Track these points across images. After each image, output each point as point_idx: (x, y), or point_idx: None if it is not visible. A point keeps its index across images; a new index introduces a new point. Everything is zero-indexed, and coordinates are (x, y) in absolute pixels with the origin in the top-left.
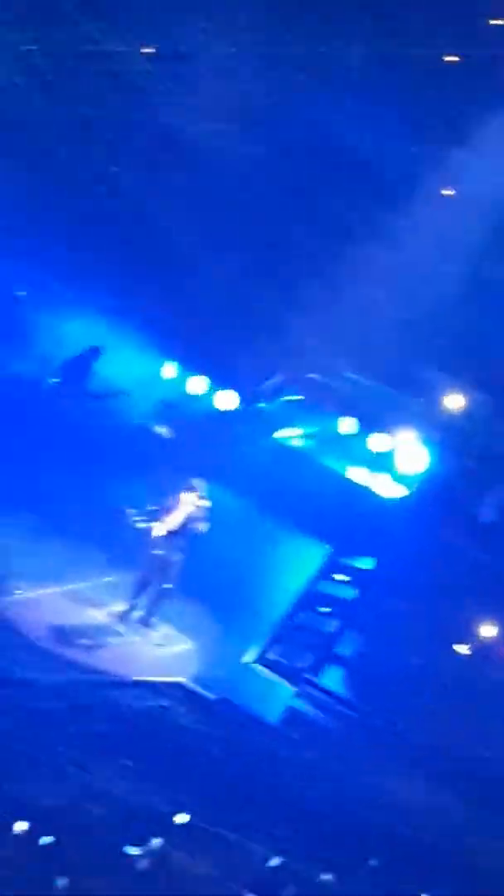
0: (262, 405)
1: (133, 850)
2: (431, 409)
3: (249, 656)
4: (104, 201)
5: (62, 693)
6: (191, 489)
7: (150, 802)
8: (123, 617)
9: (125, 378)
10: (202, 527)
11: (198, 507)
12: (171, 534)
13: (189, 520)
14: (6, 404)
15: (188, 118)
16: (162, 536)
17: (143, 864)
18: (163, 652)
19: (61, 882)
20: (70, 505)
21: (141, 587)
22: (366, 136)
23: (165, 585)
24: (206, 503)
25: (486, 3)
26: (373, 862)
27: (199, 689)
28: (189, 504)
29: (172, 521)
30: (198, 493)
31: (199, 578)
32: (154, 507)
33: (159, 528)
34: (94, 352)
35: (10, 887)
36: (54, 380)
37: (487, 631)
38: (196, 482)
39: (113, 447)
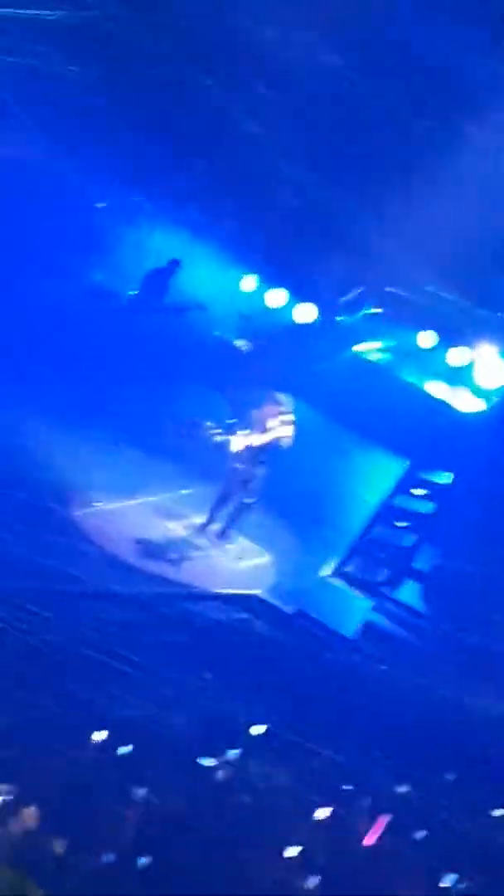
0: (341, 318)
1: (208, 761)
2: None
3: (327, 570)
4: (185, 112)
5: (141, 605)
6: (276, 404)
7: (227, 713)
8: (202, 529)
9: (204, 291)
10: (286, 442)
11: (283, 422)
12: (255, 448)
13: (274, 434)
14: (85, 316)
15: (268, 27)
16: (245, 450)
17: (220, 775)
18: (241, 565)
19: (139, 792)
20: (147, 417)
21: (222, 500)
22: (452, 46)
23: (246, 499)
24: (291, 418)
25: None
26: (449, 776)
27: (276, 602)
28: (274, 418)
29: (257, 435)
30: (283, 408)
31: (278, 492)
32: (232, 421)
33: (239, 442)
34: (174, 265)
35: (88, 796)
36: (132, 292)
37: None
38: (281, 396)
39: (190, 360)
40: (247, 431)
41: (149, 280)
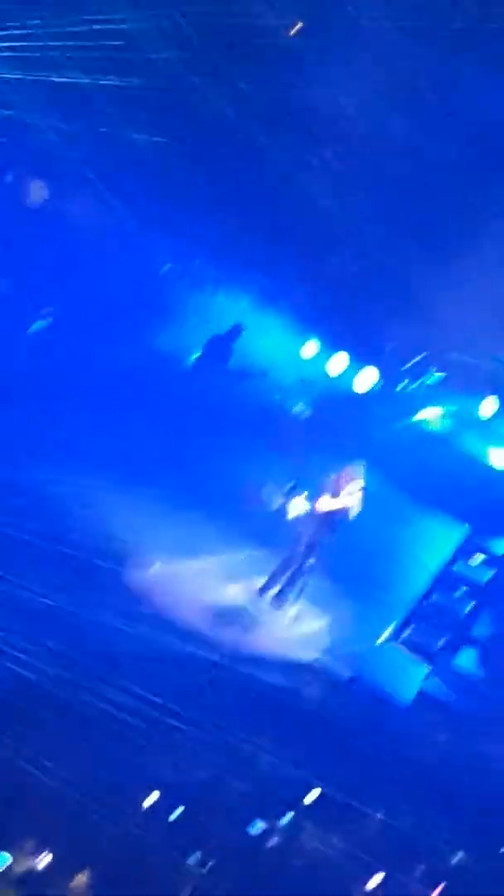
0: (403, 384)
1: (260, 825)
2: None
3: (385, 635)
4: (250, 176)
5: (199, 667)
6: (351, 472)
7: (283, 778)
8: (262, 592)
9: (266, 356)
10: (355, 511)
11: (355, 490)
12: (326, 514)
13: (345, 502)
14: (150, 378)
15: (338, 94)
16: (316, 516)
17: (275, 839)
18: (299, 629)
19: (192, 856)
20: (206, 480)
21: (285, 564)
22: None
23: (308, 564)
24: (362, 486)
25: None
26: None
27: (333, 667)
28: (347, 487)
29: (331, 502)
30: (357, 477)
31: (337, 556)
32: (291, 485)
33: (299, 506)
34: (237, 329)
35: (142, 859)
36: (196, 355)
37: None
38: (357, 465)
39: (251, 424)
40: (306, 495)
41: (212, 344)
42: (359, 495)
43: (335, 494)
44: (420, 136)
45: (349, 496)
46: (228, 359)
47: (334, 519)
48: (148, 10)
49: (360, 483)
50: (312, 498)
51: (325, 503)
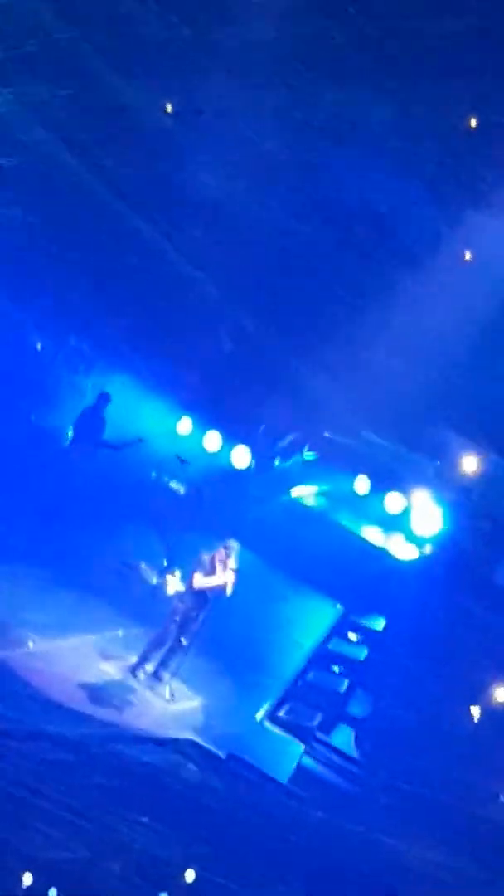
0: (277, 463)
1: None
2: (447, 471)
3: (260, 714)
4: (122, 255)
5: (72, 746)
6: (225, 550)
7: (158, 857)
8: (135, 671)
9: (139, 428)
10: (229, 590)
11: (228, 568)
12: (196, 591)
13: (219, 580)
14: (22, 456)
15: (208, 175)
16: (185, 592)
17: None
18: (174, 707)
19: None
20: (82, 557)
21: (157, 642)
22: (384, 198)
23: (182, 641)
24: (235, 566)
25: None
26: None
27: (209, 746)
28: (221, 564)
29: (202, 579)
30: (231, 555)
31: (212, 634)
32: (166, 563)
33: (174, 584)
34: (103, 399)
35: None
36: (70, 433)
37: (501, 694)
38: (231, 544)
39: (126, 501)
40: (180, 573)
41: (83, 418)
42: (230, 574)
43: (209, 572)
44: (290, 220)
45: (223, 574)
46: (103, 430)
47: (207, 597)
48: (17, 88)
49: (234, 563)
50: (186, 576)
51: (199, 581)
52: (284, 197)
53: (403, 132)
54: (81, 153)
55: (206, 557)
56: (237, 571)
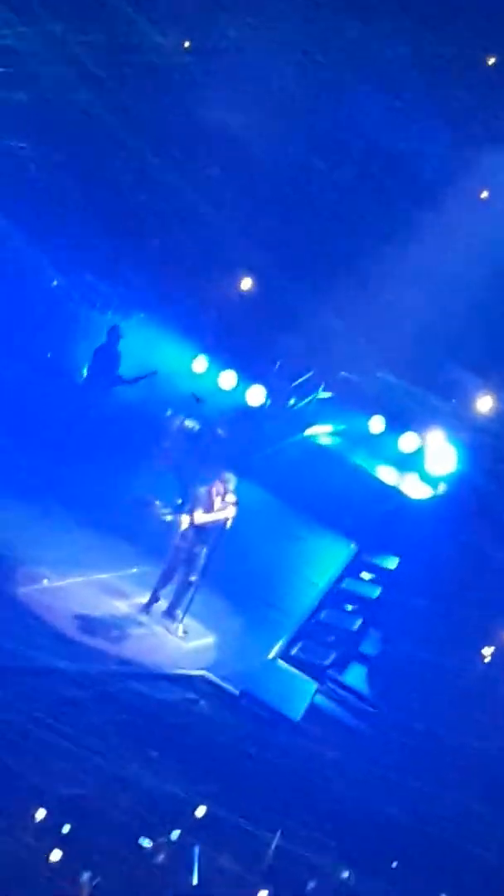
0: (292, 402)
1: (147, 843)
2: (462, 411)
3: (273, 652)
4: (140, 194)
5: (86, 683)
6: (222, 483)
7: (171, 793)
8: (148, 608)
9: (154, 364)
10: (229, 522)
11: (227, 501)
12: (198, 527)
13: (217, 514)
14: (38, 393)
15: (226, 112)
16: (188, 529)
17: (162, 856)
18: (187, 644)
19: (83, 875)
20: (97, 496)
21: (166, 579)
22: (401, 135)
23: (191, 578)
24: (234, 499)
25: None
26: (393, 862)
27: (222, 683)
28: (219, 498)
29: (202, 515)
30: (227, 488)
31: (226, 572)
32: (181, 501)
33: (186, 521)
34: (114, 334)
35: (31, 873)
36: (85, 371)
37: None
38: (227, 476)
39: (142, 440)
40: (192, 510)
41: (97, 356)
42: (230, 508)
43: (207, 507)
44: (306, 157)
45: (223, 508)
46: (117, 366)
47: (207, 531)
48: (34, 25)
49: (233, 495)
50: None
51: (200, 517)
52: (301, 134)
53: (421, 69)
54: (99, 91)
55: (202, 491)
56: (237, 504)
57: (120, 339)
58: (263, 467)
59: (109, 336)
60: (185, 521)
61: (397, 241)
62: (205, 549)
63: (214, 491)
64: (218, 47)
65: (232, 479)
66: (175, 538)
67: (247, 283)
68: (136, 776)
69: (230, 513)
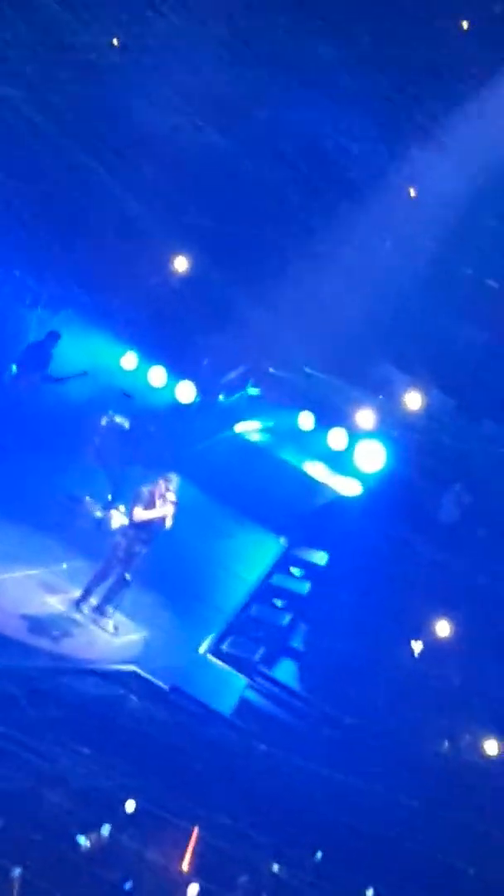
0: (221, 398)
1: (83, 840)
2: (390, 407)
3: (203, 647)
4: (67, 189)
5: (16, 678)
6: (165, 482)
7: (102, 788)
8: (79, 604)
9: (84, 362)
10: (168, 523)
11: (168, 501)
12: (138, 525)
13: (158, 513)
14: None
15: (157, 111)
16: (128, 526)
17: (92, 851)
18: (117, 640)
19: (14, 871)
20: (28, 491)
21: (101, 575)
22: (331, 133)
23: (126, 576)
24: (174, 499)
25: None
26: (319, 854)
27: (152, 678)
28: (161, 497)
29: (142, 512)
30: (171, 488)
31: (156, 568)
32: (111, 497)
33: (119, 518)
34: (53, 337)
35: None
36: (13, 367)
37: (439, 628)
38: (170, 476)
39: (72, 436)
40: (124, 507)
41: (29, 352)
42: (172, 506)
43: (149, 506)
44: (236, 154)
45: (162, 507)
46: (48, 365)
47: (149, 530)
48: None
49: (173, 496)
50: (128, 510)
51: (139, 514)
52: (230, 131)
53: (350, 66)
54: (26, 87)
55: (146, 491)
56: (177, 504)
57: (56, 342)
58: (193, 463)
59: (47, 337)
60: (115, 517)
61: (326, 237)
62: (145, 549)
63: (157, 491)
64: (147, 45)
65: (174, 479)
66: (116, 536)
67: (175, 280)
68: (67, 771)
69: (170, 512)
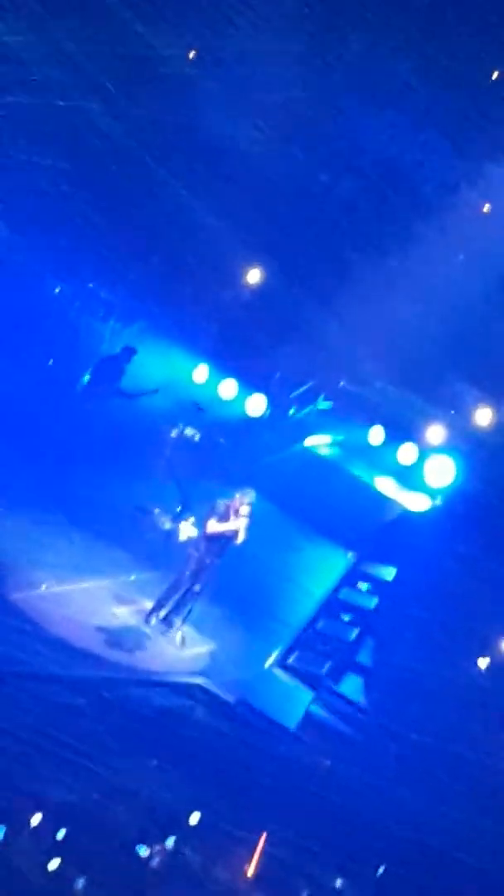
0: (292, 412)
1: (144, 851)
2: (461, 422)
3: (270, 661)
4: (142, 202)
5: (84, 689)
6: (241, 498)
7: (166, 801)
8: (149, 616)
9: (158, 379)
10: (241, 537)
11: (242, 516)
12: (211, 538)
13: (232, 527)
14: (40, 400)
15: (229, 123)
16: (200, 539)
17: (157, 863)
18: (185, 653)
19: (78, 881)
20: (96, 502)
21: (172, 588)
22: (405, 148)
23: (195, 588)
24: (248, 511)
25: None
26: (382, 868)
27: (218, 691)
28: (236, 512)
29: (216, 525)
30: (246, 503)
31: (224, 581)
32: (180, 509)
33: (187, 530)
34: (128, 352)
35: (27, 880)
36: (86, 378)
37: None
38: (248, 492)
39: (142, 448)
40: (193, 519)
41: (102, 366)
42: (245, 521)
43: (223, 519)
44: (310, 168)
45: (236, 521)
46: (120, 379)
47: (221, 544)
48: (39, 32)
49: (248, 509)
50: (200, 522)
51: (213, 526)
52: (305, 145)
53: (426, 83)
54: (103, 99)
55: (222, 505)
56: (250, 518)
57: (131, 357)
58: (262, 477)
59: (122, 351)
60: (184, 529)
61: (399, 252)
62: (216, 562)
63: (232, 505)
64: (223, 58)
65: (251, 494)
66: (188, 548)
67: (248, 293)
68: (131, 783)
69: (242, 525)
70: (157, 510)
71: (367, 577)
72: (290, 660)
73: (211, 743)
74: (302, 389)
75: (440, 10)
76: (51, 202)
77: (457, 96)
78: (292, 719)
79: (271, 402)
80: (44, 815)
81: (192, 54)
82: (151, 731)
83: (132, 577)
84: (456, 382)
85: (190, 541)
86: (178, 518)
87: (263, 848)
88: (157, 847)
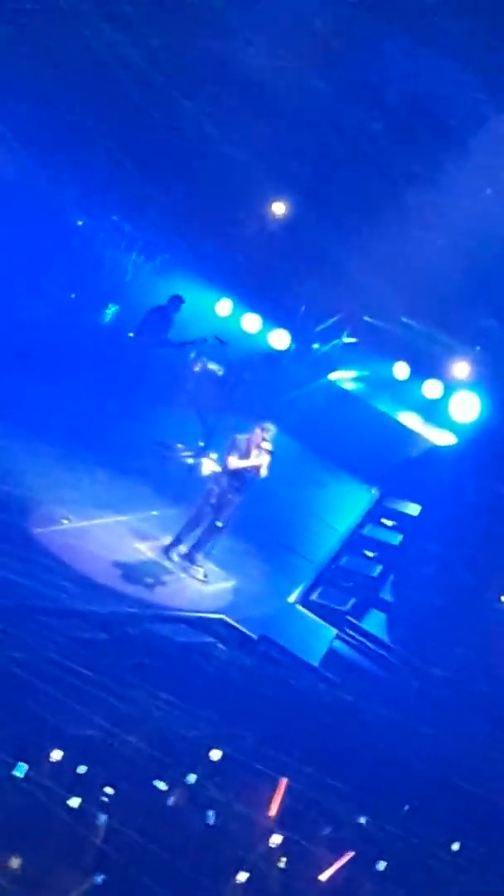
0: (316, 346)
1: (162, 785)
2: (487, 358)
3: (293, 597)
4: (166, 135)
5: (105, 624)
6: (262, 432)
7: (187, 736)
8: (169, 551)
9: (182, 314)
10: (262, 472)
11: (264, 451)
12: (232, 473)
13: (253, 462)
14: (59, 335)
15: (256, 55)
16: (221, 474)
17: (176, 798)
18: (207, 588)
19: (100, 818)
20: (120, 438)
21: (192, 523)
22: (432, 80)
23: (217, 524)
24: (270, 447)
25: None
26: (407, 807)
27: (241, 627)
28: (257, 447)
29: (237, 461)
30: (267, 438)
31: (247, 517)
32: (203, 444)
33: (210, 465)
34: (176, 301)
35: (44, 813)
36: (131, 334)
37: None
38: (266, 426)
39: (163, 382)
40: (216, 455)
41: (151, 317)
42: (268, 457)
43: (244, 454)
44: (336, 101)
45: (258, 457)
46: (168, 329)
47: (243, 479)
48: None
49: (269, 444)
50: (222, 458)
51: (234, 462)
52: (332, 78)
53: (454, 13)
54: (128, 30)
55: (241, 439)
56: (272, 454)
57: (179, 306)
58: (286, 411)
59: (170, 301)
60: (206, 464)
61: (426, 187)
62: (238, 498)
63: (253, 439)
64: None
65: (271, 429)
66: (208, 483)
67: (273, 227)
68: (152, 718)
69: (265, 461)
70: (179, 445)
71: (391, 514)
72: (314, 596)
73: (233, 678)
74: (327, 324)
75: None
76: (75, 135)
77: (485, 26)
78: (315, 655)
79: (295, 337)
80: (64, 749)
81: None
82: (174, 666)
83: (154, 513)
84: (482, 318)
85: (211, 477)
86: (200, 453)
87: (285, 784)
88: (179, 783)
